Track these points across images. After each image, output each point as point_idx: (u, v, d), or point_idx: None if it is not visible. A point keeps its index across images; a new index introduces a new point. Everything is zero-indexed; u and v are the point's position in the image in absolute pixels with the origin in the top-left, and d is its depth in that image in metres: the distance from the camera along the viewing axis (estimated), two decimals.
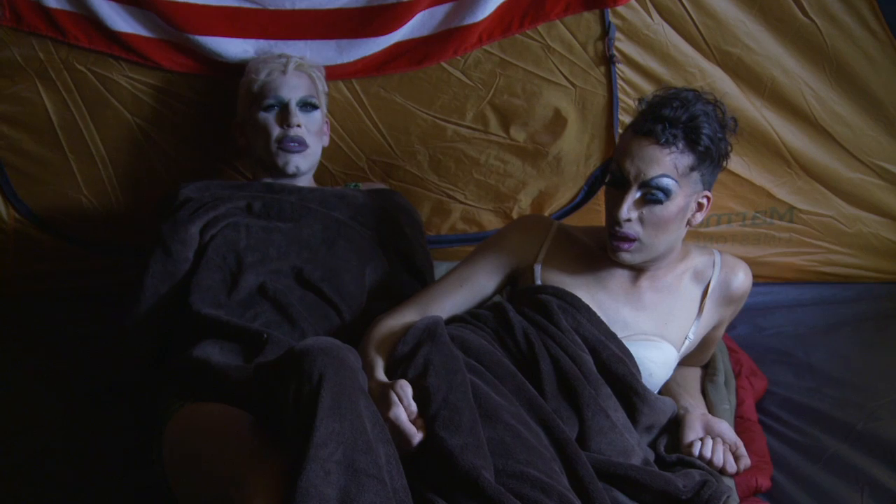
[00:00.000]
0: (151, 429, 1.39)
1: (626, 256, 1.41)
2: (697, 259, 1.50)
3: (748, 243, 1.96)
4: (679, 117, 1.35)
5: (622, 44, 1.76)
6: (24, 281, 1.93)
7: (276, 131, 1.61)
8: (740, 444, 1.42)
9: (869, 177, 1.88)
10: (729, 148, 1.41)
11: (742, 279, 1.50)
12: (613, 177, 1.39)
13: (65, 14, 1.66)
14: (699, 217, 1.42)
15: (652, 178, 1.35)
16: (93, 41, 1.68)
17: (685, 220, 1.40)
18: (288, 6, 1.66)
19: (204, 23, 1.67)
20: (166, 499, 1.32)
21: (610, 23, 1.73)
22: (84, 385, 1.65)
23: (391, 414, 1.20)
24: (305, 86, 1.64)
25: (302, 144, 1.62)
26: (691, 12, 1.71)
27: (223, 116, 1.78)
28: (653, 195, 1.36)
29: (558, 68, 1.79)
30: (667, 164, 1.35)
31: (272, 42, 1.71)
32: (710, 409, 1.54)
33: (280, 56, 1.66)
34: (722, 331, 1.59)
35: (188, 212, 1.54)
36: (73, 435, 1.53)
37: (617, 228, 1.39)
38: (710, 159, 1.37)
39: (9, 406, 1.61)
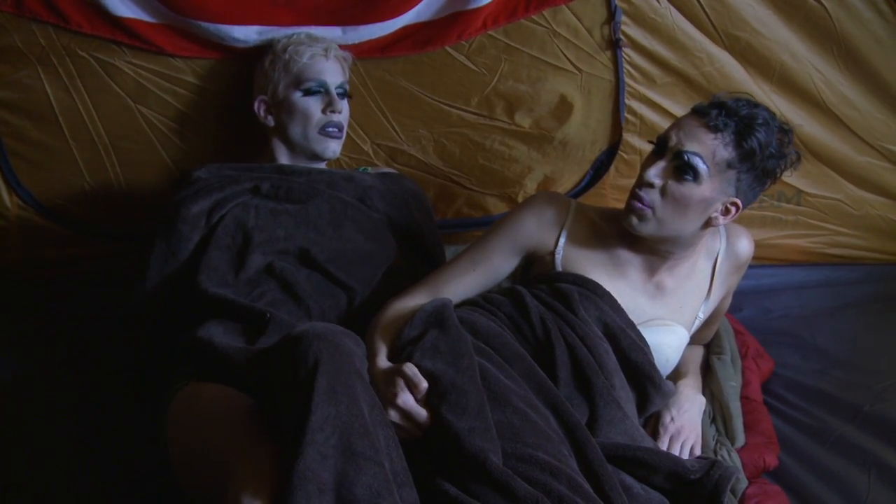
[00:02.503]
0: (156, 408, 1.40)
1: (635, 221, 1.38)
2: (708, 237, 1.48)
3: (754, 226, 1.95)
4: (739, 110, 1.33)
5: (628, 28, 1.75)
6: (28, 267, 1.92)
7: (317, 116, 1.62)
8: (691, 438, 1.42)
9: (878, 160, 1.88)
10: (778, 172, 1.37)
11: (746, 244, 1.51)
12: (657, 141, 1.38)
13: (66, 0, 1.64)
14: (721, 221, 1.38)
15: (686, 152, 1.33)
16: (95, 27, 1.66)
17: (706, 216, 1.37)
18: None
19: (206, 9, 1.65)
20: (172, 479, 1.32)
21: (616, 6, 1.72)
22: (88, 370, 1.65)
23: (399, 401, 1.20)
24: (341, 72, 1.67)
25: (341, 130, 1.65)
26: None
27: (228, 99, 1.77)
28: (681, 170, 1.34)
29: (564, 53, 1.78)
30: (706, 146, 1.33)
31: (276, 28, 1.69)
32: (717, 383, 1.56)
33: (317, 39, 1.66)
34: (728, 302, 1.59)
35: (193, 191, 1.55)
36: (79, 419, 1.53)
37: (638, 190, 1.37)
38: (751, 164, 1.33)
39: (13, 390, 1.61)
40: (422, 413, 1.19)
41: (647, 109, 1.84)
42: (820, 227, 1.97)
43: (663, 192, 1.36)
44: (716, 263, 1.49)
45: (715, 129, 1.33)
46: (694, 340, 1.59)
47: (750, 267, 1.55)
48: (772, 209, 1.95)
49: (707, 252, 1.49)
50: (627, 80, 1.80)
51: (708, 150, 1.33)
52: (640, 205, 1.37)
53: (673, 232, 1.39)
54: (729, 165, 1.34)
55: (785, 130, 1.38)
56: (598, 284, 1.41)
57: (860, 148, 1.87)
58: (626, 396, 1.35)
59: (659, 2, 1.72)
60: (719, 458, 1.40)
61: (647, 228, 1.38)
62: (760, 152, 1.33)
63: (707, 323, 1.56)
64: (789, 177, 1.84)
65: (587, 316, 1.38)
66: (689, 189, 1.34)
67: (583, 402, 1.32)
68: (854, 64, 1.77)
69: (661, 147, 1.37)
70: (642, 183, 1.36)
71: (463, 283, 1.47)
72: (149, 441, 1.41)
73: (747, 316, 1.87)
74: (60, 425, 1.52)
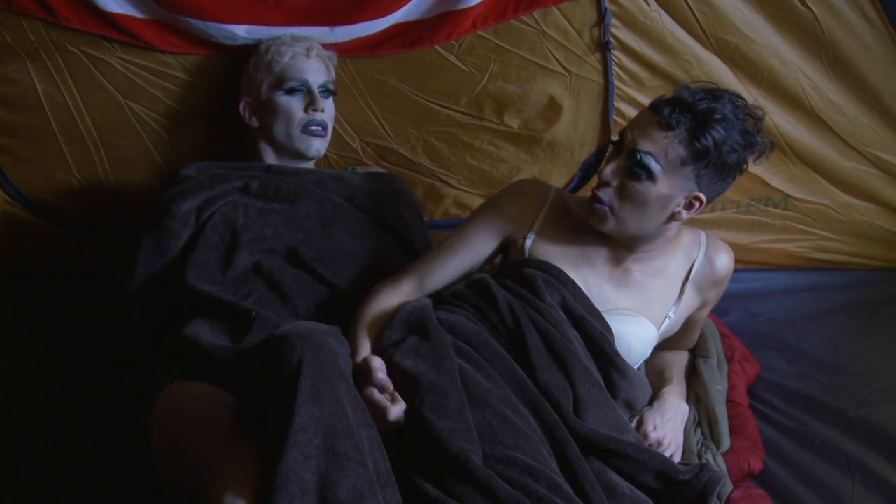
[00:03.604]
0: (141, 405, 1.39)
1: (595, 220, 1.39)
2: (687, 240, 1.48)
3: (742, 230, 1.97)
4: (695, 106, 1.30)
5: (618, 30, 1.75)
6: (15, 263, 1.91)
7: (299, 115, 1.63)
8: (672, 447, 1.42)
9: (864, 166, 1.88)
10: (744, 165, 1.34)
11: (725, 261, 1.49)
12: (617, 138, 1.38)
13: None
14: (685, 215, 1.37)
15: (639, 151, 1.32)
16: (84, 22, 1.66)
17: (667, 211, 1.36)
18: None
19: (195, 7, 1.64)
20: (157, 477, 1.32)
21: (606, 9, 1.72)
22: (75, 366, 1.65)
23: (364, 392, 1.21)
24: (325, 71, 1.67)
25: (325, 129, 1.65)
26: (689, 0, 1.70)
27: (217, 96, 1.77)
28: (634, 170, 1.33)
29: (553, 55, 1.78)
30: (659, 144, 1.31)
31: (264, 28, 1.69)
32: (703, 387, 1.55)
33: (299, 39, 1.66)
34: (706, 312, 1.57)
35: (182, 188, 1.55)
36: (65, 416, 1.53)
37: (596, 190, 1.38)
38: (707, 162, 1.31)
39: (1, 388, 1.60)
40: (384, 402, 1.20)
41: (635, 112, 1.82)
42: (807, 232, 1.97)
43: (621, 191, 1.35)
44: (690, 271, 1.48)
45: (668, 127, 1.30)
46: (674, 346, 1.59)
47: (737, 271, 1.55)
48: (759, 213, 1.95)
49: (684, 257, 1.48)
50: (616, 82, 1.80)
51: (661, 148, 1.31)
52: (598, 205, 1.37)
53: (636, 229, 1.39)
54: (683, 163, 1.31)
55: (755, 117, 1.35)
56: (561, 271, 1.41)
57: (847, 153, 1.87)
58: (600, 378, 1.35)
59: (649, 5, 1.72)
60: (704, 461, 1.39)
61: (609, 226, 1.39)
62: (716, 149, 1.30)
63: (685, 330, 1.56)
64: (768, 176, 1.85)
65: (553, 301, 1.38)
66: (646, 188, 1.33)
67: (566, 384, 1.30)
68: (842, 70, 1.77)
69: (619, 145, 1.37)
70: (599, 182, 1.37)
71: (446, 269, 1.47)
72: (134, 438, 1.40)
73: (734, 319, 1.87)
74: (47, 422, 1.51)
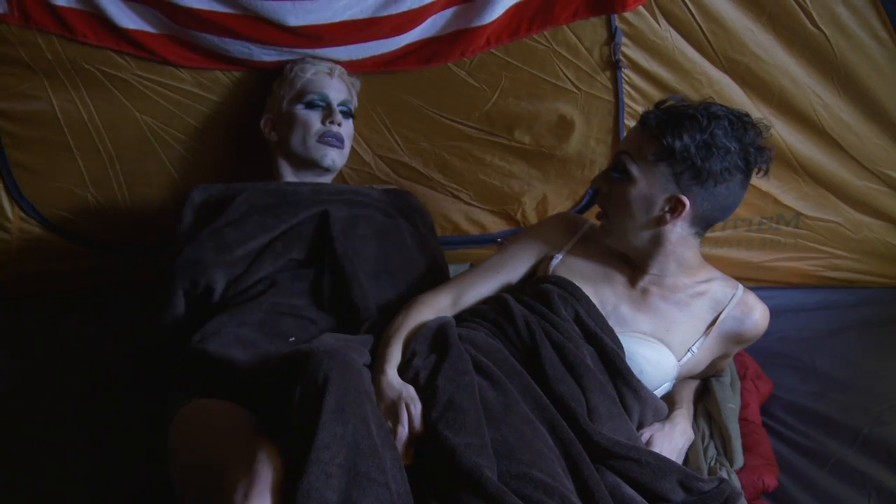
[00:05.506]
0: (156, 422, 1.39)
1: (602, 233, 1.45)
2: (719, 290, 1.47)
3: (753, 248, 1.97)
4: (674, 109, 1.34)
5: (628, 49, 1.75)
6: (30, 280, 1.92)
7: (316, 126, 1.66)
8: None
9: (876, 185, 1.88)
10: (727, 174, 1.33)
11: (756, 320, 1.47)
12: None
13: (72, 12, 1.64)
14: (670, 219, 1.37)
15: (619, 152, 1.39)
16: (101, 39, 1.67)
17: (651, 214, 1.37)
18: (292, 22, 1.63)
19: (210, 26, 1.65)
20: (170, 494, 1.31)
21: (616, 27, 1.73)
22: (89, 384, 1.65)
23: (397, 430, 1.21)
24: (346, 92, 1.71)
25: (341, 142, 1.68)
26: (699, 20, 1.70)
27: (233, 111, 1.79)
28: (613, 173, 1.39)
29: (564, 72, 1.79)
30: (634, 143, 1.37)
31: (277, 48, 1.70)
32: (715, 404, 1.55)
33: (324, 60, 1.70)
34: (725, 363, 1.58)
35: (212, 252, 1.52)
36: (78, 433, 1.53)
37: (598, 203, 1.46)
38: (680, 161, 1.32)
39: (12, 403, 1.61)
40: (400, 453, 1.20)
41: None
42: (818, 250, 1.97)
43: (610, 197, 1.40)
44: (718, 318, 1.47)
45: (644, 125, 1.36)
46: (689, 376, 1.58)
47: (749, 288, 1.54)
48: (770, 231, 1.95)
49: (712, 302, 1.47)
50: (627, 100, 1.81)
51: (635, 146, 1.36)
52: (599, 216, 1.44)
53: (626, 234, 1.42)
54: (657, 159, 1.34)
55: (760, 130, 1.35)
56: (576, 287, 1.43)
57: (859, 172, 1.86)
58: (613, 394, 1.35)
59: (659, 24, 1.72)
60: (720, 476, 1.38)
61: (609, 237, 1.45)
62: (684, 148, 1.31)
63: (704, 372, 1.55)
64: (779, 194, 1.84)
65: (567, 315, 1.40)
66: (625, 188, 1.37)
67: (581, 396, 1.31)
68: (853, 90, 1.77)
69: None
70: (595, 191, 1.41)
71: (485, 286, 1.53)
72: (147, 456, 1.40)
73: None
74: (60, 438, 1.51)
